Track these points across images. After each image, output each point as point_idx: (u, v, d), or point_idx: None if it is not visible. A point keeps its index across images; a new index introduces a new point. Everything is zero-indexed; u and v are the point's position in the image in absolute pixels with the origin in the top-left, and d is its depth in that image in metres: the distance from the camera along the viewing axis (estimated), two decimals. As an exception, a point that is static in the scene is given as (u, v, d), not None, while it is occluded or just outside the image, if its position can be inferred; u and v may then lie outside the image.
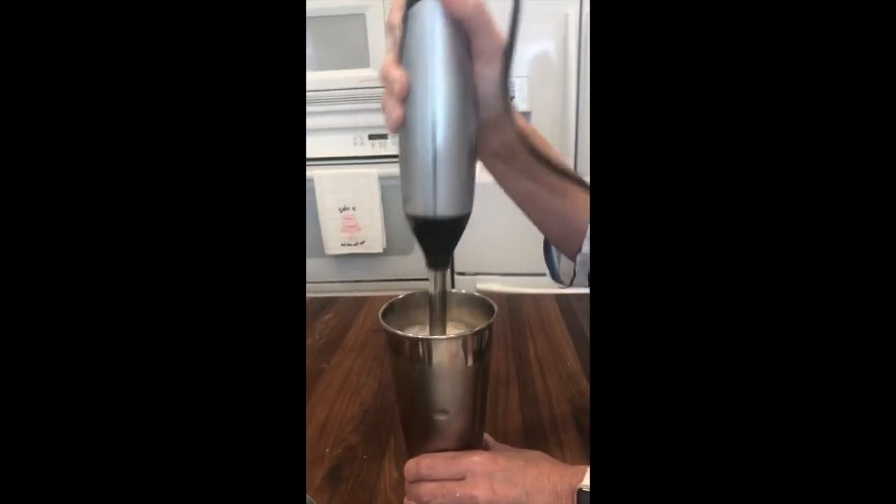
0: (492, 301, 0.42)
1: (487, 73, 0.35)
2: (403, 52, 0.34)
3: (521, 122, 0.39)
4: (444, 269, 0.39)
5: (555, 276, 0.53)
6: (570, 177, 0.39)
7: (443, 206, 0.35)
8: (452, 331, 0.42)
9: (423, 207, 0.36)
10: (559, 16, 1.27)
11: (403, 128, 0.35)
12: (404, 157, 0.36)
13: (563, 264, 0.51)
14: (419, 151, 0.34)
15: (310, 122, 1.42)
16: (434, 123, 0.34)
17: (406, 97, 0.34)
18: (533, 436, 0.54)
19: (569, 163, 1.34)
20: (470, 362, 0.39)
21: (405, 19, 0.34)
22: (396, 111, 0.34)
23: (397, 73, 0.34)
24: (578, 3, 1.27)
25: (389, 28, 0.36)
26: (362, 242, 1.54)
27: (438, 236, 0.38)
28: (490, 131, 0.38)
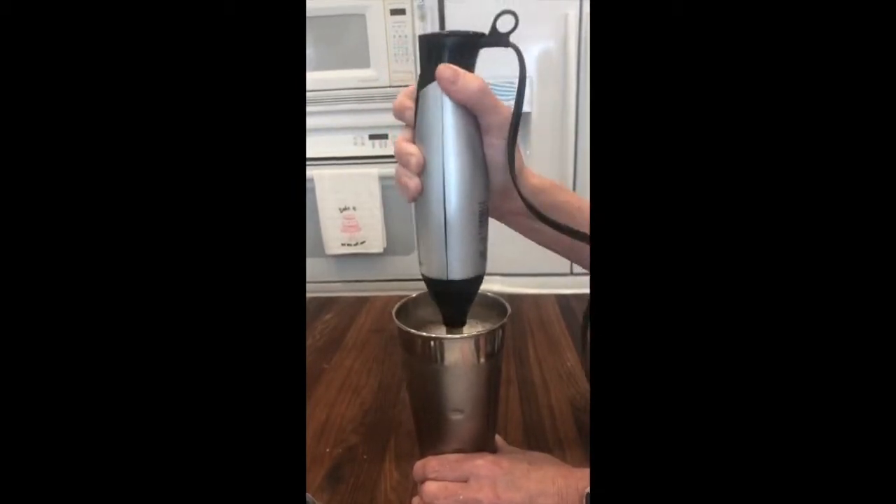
0: (504, 301, 0.42)
1: (495, 144, 0.38)
2: (416, 129, 0.37)
3: (534, 181, 0.42)
4: (461, 328, 0.42)
5: None
6: (583, 236, 0.40)
7: (455, 270, 0.38)
8: (466, 330, 0.42)
9: (437, 271, 0.39)
10: (559, 16, 1.27)
11: (419, 198, 0.38)
12: (420, 224, 0.39)
13: None
14: (433, 220, 0.37)
15: (310, 122, 1.42)
16: (446, 194, 0.37)
17: (421, 171, 0.37)
18: (533, 436, 0.54)
19: (569, 166, 1.34)
20: (483, 361, 0.40)
21: (417, 98, 0.37)
22: (413, 183, 0.37)
23: (412, 149, 0.37)
24: (578, 3, 1.27)
25: (399, 110, 0.39)
26: (362, 242, 1.54)
27: (454, 297, 0.40)
28: (504, 196, 0.40)
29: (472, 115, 0.36)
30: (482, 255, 0.40)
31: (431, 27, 1.33)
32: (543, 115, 1.35)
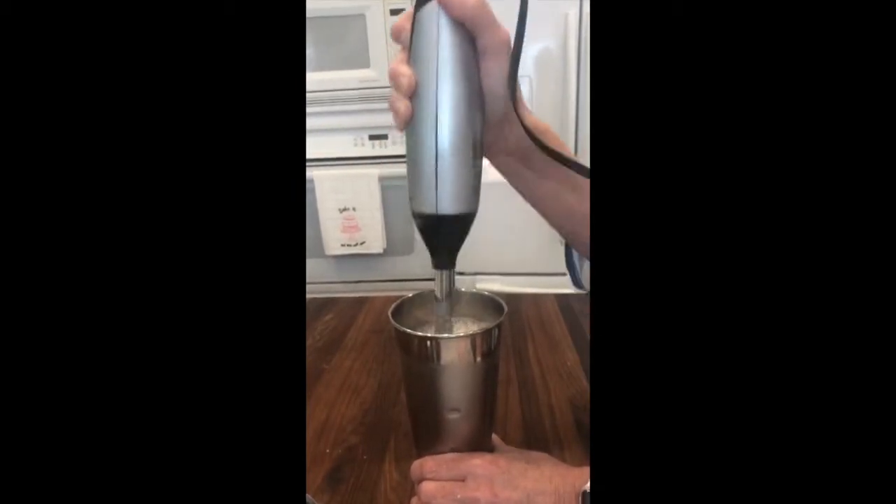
0: (501, 300, 0.42)
1: (493, 70, 0.35)
2: (411, 52, 0.35)
3: (532, 119, 0.39)
4: (450, 269, 0.39)
5: (576, 283, 0.52)
6: (584, 170, 0.39)
7: (446, 204, 0.36)
8: (462, 329, 0.42)
9: (427, 205, 0.36)
10: (559, 16, 1.27)
11: (410, 126, 0.35)
12: (410, 155, 0.36)
13: (587, 270, 0.50)
14: (424, 149, 0.35)
15: (310, 122, 1.42)
16: (438, 122, 0.34)
17: (413, 94, 0.35)
18: (533, 435, 0.54)
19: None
20: (479, 360, 0.39)
21: (413, 22, 0.35)
22: (403, 107, 0.35)
23: (405, 70, 0.34)
24: (578, 3, 1.27)
25: (396, 32, 0.37)
26: (362, 243, 1.54)
27: (443, 235, 0.38)
28: (499, 129, 0.38)
29: (470, 37, 0.34)
30: (475, 190, 0.37)
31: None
32: (543, 115, 1.34)
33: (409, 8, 0.36)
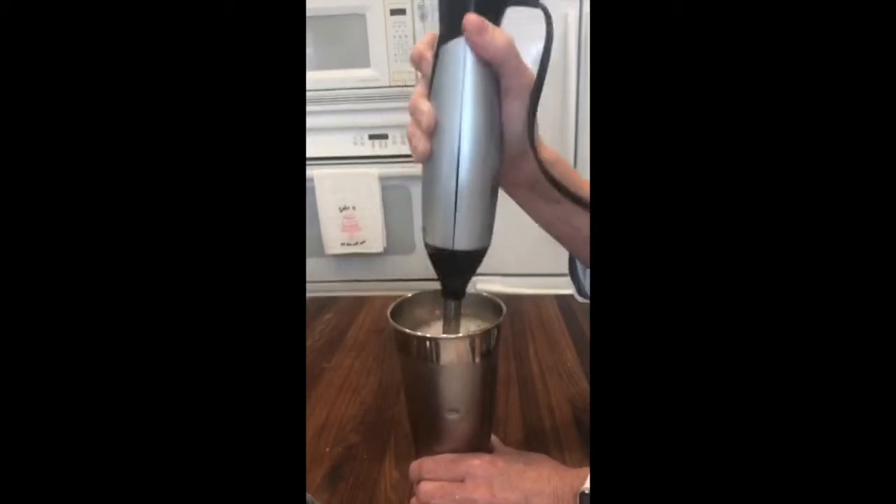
0: (500, 301, 0.42)
1: (514, 110, 0.36)
2: (433, 86, 0.35)
3: (546, 153, 0.40)
4: (459, 300, 0.40)
5: (581, 292, 0.53)
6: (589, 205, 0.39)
7: (461, 240, 0.36)
8: (462, 330, 0.42)
9: (441, 239, 0.36)
10: (559, 16, 1.27)
11: (428, 161, 0.35)
12: (427, 189, 0.36)
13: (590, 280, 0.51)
14: (442, 185, 0.35)
15: (310, 121, 1.42)
16: (458, 159, 0.34)
17: (433, 131, 0.35)
18: (533, 436, 0.54)
19: (571, 163, 1.34)
20: (479, 361, 0.39)
21: (436, 55, 0.35)
22: (423, 144, 0.35)
23: (425, 107, 0.34)
24: (578, 3, 1.27)
25: (417, 60, 0.36)
26: (362, 242, 1.54)
27: (455, 268, 0.38)
28: (515, 164, 0.39)
29: (494, 76, 0.34)
30: (489, 227, 0.38)
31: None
32: (543, 115, 1.34)
33: (430, 31, 0.36)
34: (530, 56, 0.34)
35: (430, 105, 0.34)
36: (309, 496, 0.42)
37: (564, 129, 1.33)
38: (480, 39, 0.32)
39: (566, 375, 0.65)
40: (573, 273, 0.52)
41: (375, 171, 1.47)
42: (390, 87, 1.39)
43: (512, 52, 0.33)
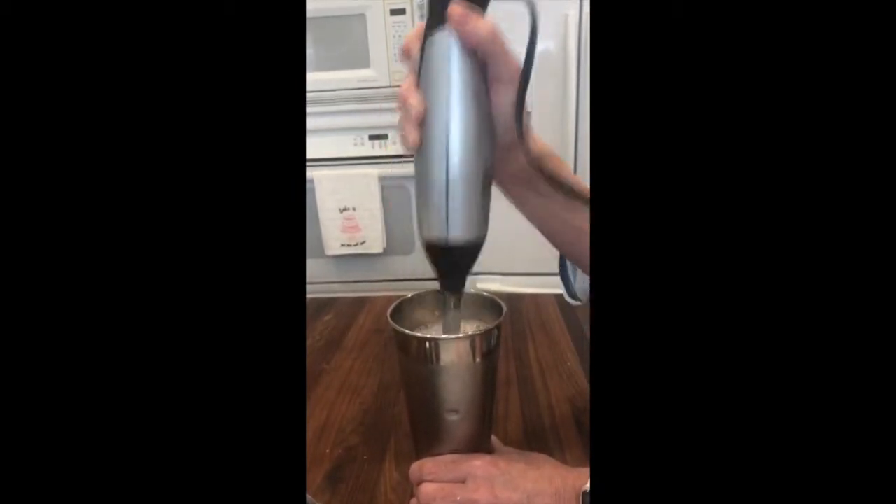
0: (500, 301, 0.42)
1: (503, 98, 0.36)
2: (420, 77, 0.35)
3: (536, 145, 0.40)
4: (458, 293, 0.39)
5: (570, 294, 0.52)
6: (583, 198, 0.39)
7: (456, 231, 0.36)
8: (461, 330, 0.42)
9: (436, 232, 0.36)
10: (559, 16, 1.27)
11: (419, 152, 0.35)
12: (419, 181, 0.36)
13: (580, 282, 0.50)
14: (434, 176, 0.35)
15: (310, 122, 1.42)
16: (448, 149, 0.34)
17: (422, 121, 0.35)
18: (533, 436, 0.54)
19: (570, 166, 1.35)
20: (479, 361, 0.39)
21: (423, 46, 0.35)
22: (413, 134, 0.35)
23: (414, 98, 0.34)
24: (578, 3, 1.27)
25: (405, 53, 0.37)
26: (362, 243, 1.54)
27: (452, 261, 0.38)
28: (506, 156, 0.38)
29: (481, 65, 0.34)
30: (485, 216, 0.37)
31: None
32: (543, 115, 1.35)
33: (419, 23, 0.36)
34: (524, 56, 0.34)
35: (420, 95, 0.35)
36: (309, 497, 0.42)
37: (564, 129, 1.33)
38: (464, 28, 0.33)
39: (566, 375, 0.65)
40: (563, 275, 0.52)
41: (375, 171, 1.47)
42: (390, 87, 1.39)
43: (497, 40, 0.34)
